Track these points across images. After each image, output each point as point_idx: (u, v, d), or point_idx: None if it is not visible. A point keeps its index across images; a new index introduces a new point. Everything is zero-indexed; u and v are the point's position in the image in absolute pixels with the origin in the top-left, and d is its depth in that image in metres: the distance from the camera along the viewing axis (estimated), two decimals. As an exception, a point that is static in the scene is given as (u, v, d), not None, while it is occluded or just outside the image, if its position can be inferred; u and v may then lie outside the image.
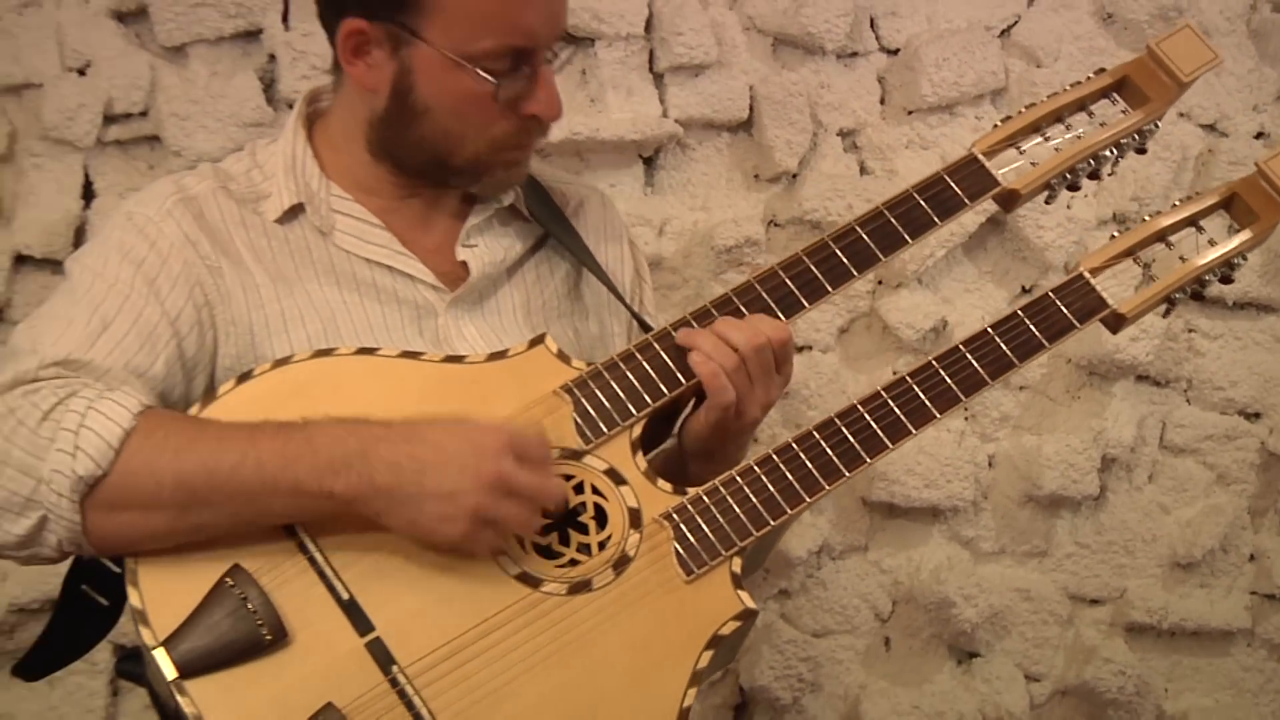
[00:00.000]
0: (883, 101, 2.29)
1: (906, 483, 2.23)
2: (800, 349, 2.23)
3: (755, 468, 1.36)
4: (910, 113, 2.27)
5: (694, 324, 1.41)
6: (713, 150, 2.26)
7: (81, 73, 2.05)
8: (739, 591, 1.31)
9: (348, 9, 1.41)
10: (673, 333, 1.41)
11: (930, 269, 2.26)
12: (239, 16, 2.06)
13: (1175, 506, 2.35)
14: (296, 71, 2.06)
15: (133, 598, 1.24)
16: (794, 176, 2.26)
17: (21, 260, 2.04)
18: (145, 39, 2.09)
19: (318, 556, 1.27)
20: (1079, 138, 1.51)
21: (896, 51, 2.29)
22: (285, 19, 2.10)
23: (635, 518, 1.32)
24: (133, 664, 1.36)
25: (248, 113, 2.05)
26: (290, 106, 2.03)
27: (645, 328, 1.55)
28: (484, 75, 1.37)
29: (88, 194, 2.08)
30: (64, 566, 1.87)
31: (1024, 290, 2.30)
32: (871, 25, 2.28)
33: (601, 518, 1.33)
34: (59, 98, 2.02)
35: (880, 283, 2.28)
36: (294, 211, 1.46)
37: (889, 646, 2.33)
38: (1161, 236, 1.50)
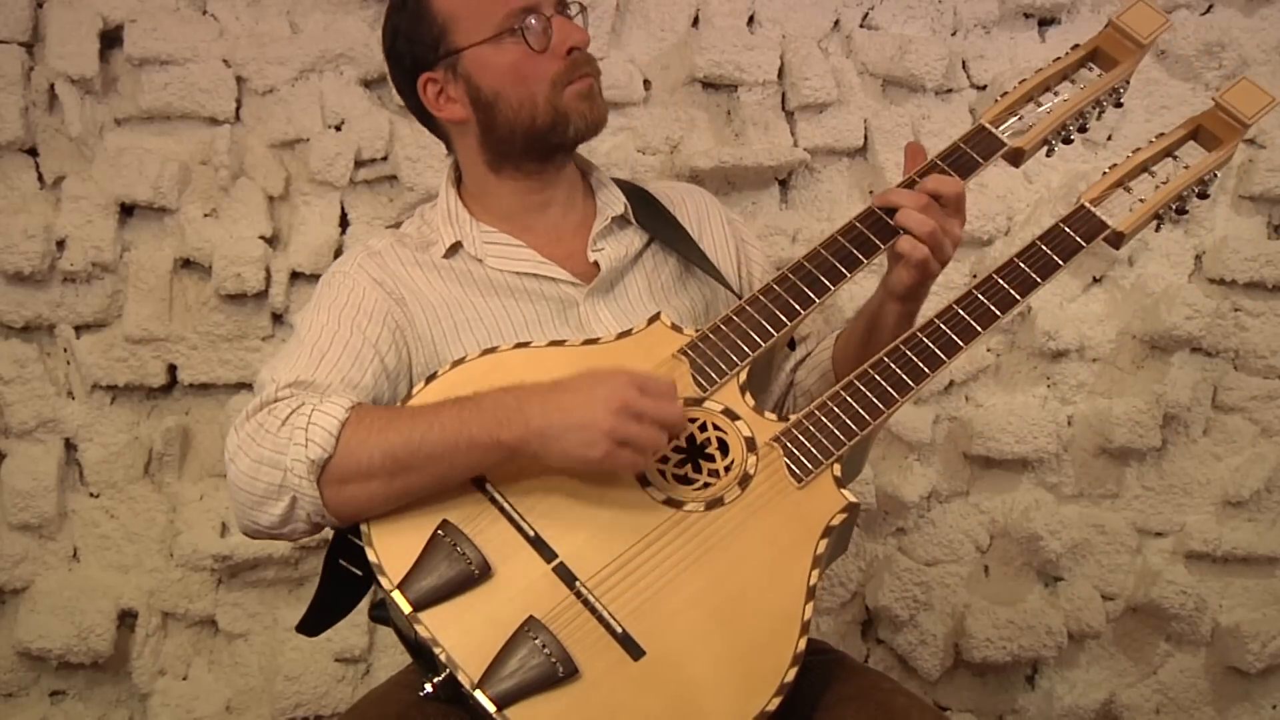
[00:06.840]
0: (973, 128, 2.43)
1: (1000, 439, 2.35)
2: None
3: (840, 391, 1.45)
4: (996, 137, 2.41)
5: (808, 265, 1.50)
6: (835, 172, 2.38)
7: (337, 129, 2.28)
8: (842, 490, 1.40)
9: (415, 71, 1.60)
10: (760, 297, 1.49)
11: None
12: (455, 79, 2.31)
13: (1225, 455, 2.41)
14: (500, 119, 2.30)
15: (370, 555, 1.37)
16: (901, 191, 2.43)
17: (296, 276, 2.29)
18: (385, 100, 2.31)
19: (505, 505, 1.39)
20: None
21: (984, 87, 2.39)
22: (490, 80, 2.35)
23: (751, 444, 1.43)
24: (381, 610, 1.49)
25: (463, 155, 2.27)
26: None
27: (738, 296, 1.68)
28: (509, 37, 1.55)
29: (344, 222, 2.31)
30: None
31: (1095, 280, 2.41)
32: (963, 66, 2.39)
33: (724, 448, 1.44)
34: (321, 149, 2.25)
35: (974, 275, 2.34)
36: (455, 248, 1.63)
37: (988, 573, 2.43)
38: (1145, 168, 1.58)
